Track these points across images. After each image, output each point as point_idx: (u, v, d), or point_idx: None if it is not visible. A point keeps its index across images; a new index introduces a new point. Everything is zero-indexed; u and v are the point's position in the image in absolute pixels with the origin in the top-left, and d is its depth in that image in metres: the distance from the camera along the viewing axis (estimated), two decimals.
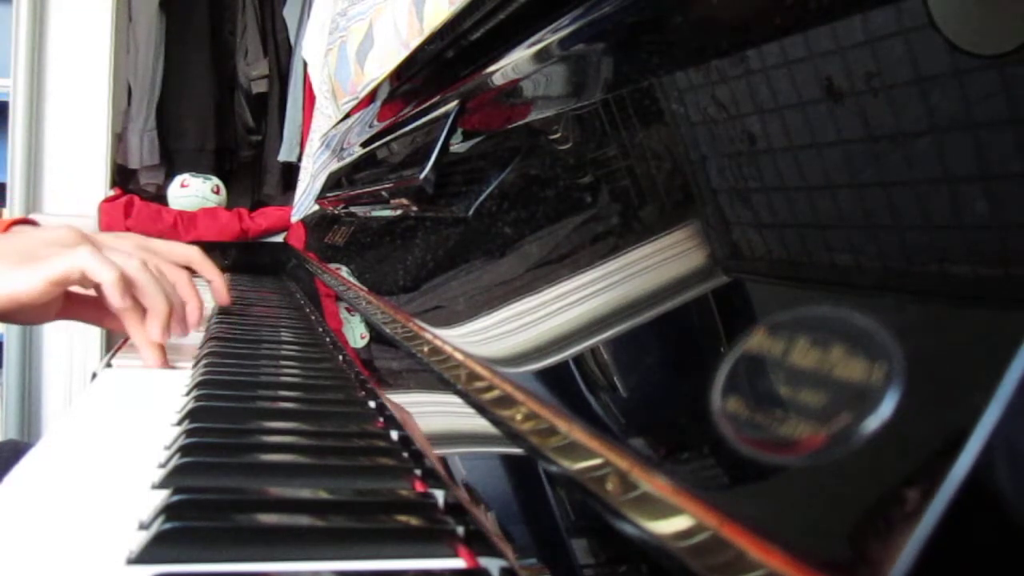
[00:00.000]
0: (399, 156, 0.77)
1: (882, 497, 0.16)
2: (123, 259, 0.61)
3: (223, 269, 1.42)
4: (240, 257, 1.48)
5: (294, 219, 1.58)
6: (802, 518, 0.18)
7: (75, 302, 0.68)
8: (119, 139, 2.40)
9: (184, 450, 0.41)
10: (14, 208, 2.16)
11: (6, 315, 0.61)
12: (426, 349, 0.45)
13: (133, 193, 2.33)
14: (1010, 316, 0.16)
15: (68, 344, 2.20)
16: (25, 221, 0.76)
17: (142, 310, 0.62)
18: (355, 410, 0.52)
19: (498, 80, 0.54)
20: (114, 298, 0.60)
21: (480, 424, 0.36)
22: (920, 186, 0.20)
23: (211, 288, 0.82)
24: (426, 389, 0.46)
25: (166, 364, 0.65)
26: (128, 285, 0.60)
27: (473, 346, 0.39)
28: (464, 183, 0.54)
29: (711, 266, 0.27)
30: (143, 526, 0.33)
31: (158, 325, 0.63)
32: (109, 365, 0.65)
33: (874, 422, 0.17)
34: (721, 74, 0.29)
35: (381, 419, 0.50)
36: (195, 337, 0.74)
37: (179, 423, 0.47)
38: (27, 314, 0.62)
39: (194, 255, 0.78)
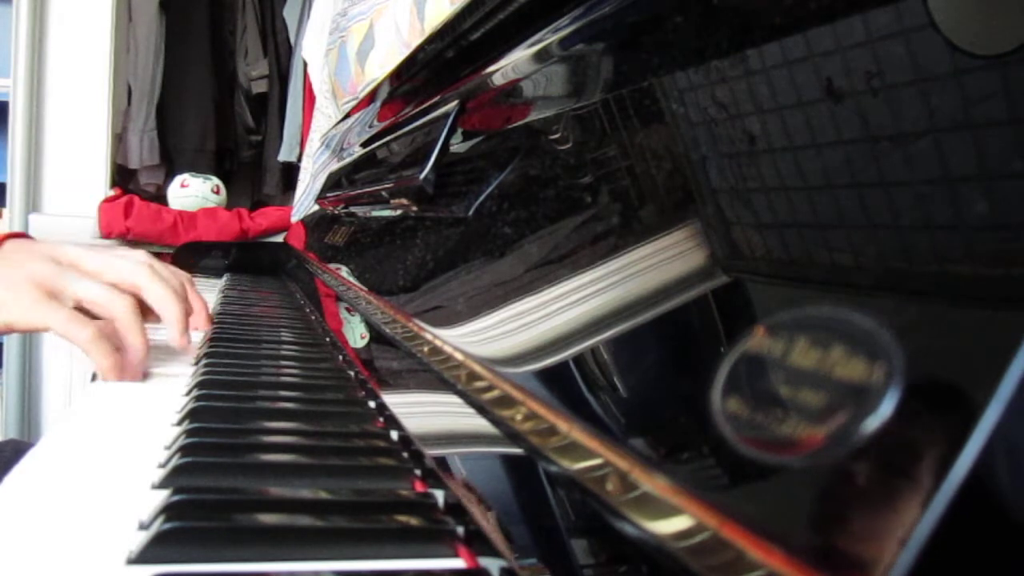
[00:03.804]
0: (399, 156, 0.77)
1: (882, 497, 0.16)
2: (107, 298, 0.61)
3: (223, 269, 1.42)
4: (240, 257, 1.48)
5: (294, 219, 1.58)
6: (802, 518, 0.18)
7: None
8: (119, 139, 2.40)
9: (184, 450, 0.41)
10: (14, 208, 2.16)
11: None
12: (426, 349, 0.45)
13: (133, 193, 2.33)
14: (1010, 316, 0.16)
15: (68, 344, 2.20)
16: (19, 235, 0.77)
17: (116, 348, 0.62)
18: (355, 410, 0.51)
19: (498, 80, 0.54)
20: (94, 356, 0.60)
21: (480, 424, 0.36)
22: (920, 186, 0.20)
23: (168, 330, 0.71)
24: (426, 389, 0.46)
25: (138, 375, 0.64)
26: (106, 338, 0.60)
27: (473, 346, 0.39)
28: (464, 183, 0.54)
29: (711, 266, 0.27)
30: (143, 526, 0.33)
31: (135, 366, 0.62)
32: None
33: (874, 422, 0.17)
34: (721, 74, 0.29)
35: (381, 419, 0.50)
36: (195, 337, 0.74)
37: (179, 423, 0.47)
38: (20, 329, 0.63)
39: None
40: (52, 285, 0.61)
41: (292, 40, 2.52)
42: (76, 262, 0.64)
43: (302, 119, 2.31)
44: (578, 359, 0.31)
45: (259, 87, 2.58)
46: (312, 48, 1.93)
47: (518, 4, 0.51)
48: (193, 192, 2.37)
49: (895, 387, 0.17)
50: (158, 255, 0.69)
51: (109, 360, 0.60)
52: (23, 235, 0.78)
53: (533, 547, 0.30)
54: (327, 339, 0.77)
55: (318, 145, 1.49)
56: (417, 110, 0.75)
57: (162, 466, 0.40)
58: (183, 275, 0.72)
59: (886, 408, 0.17)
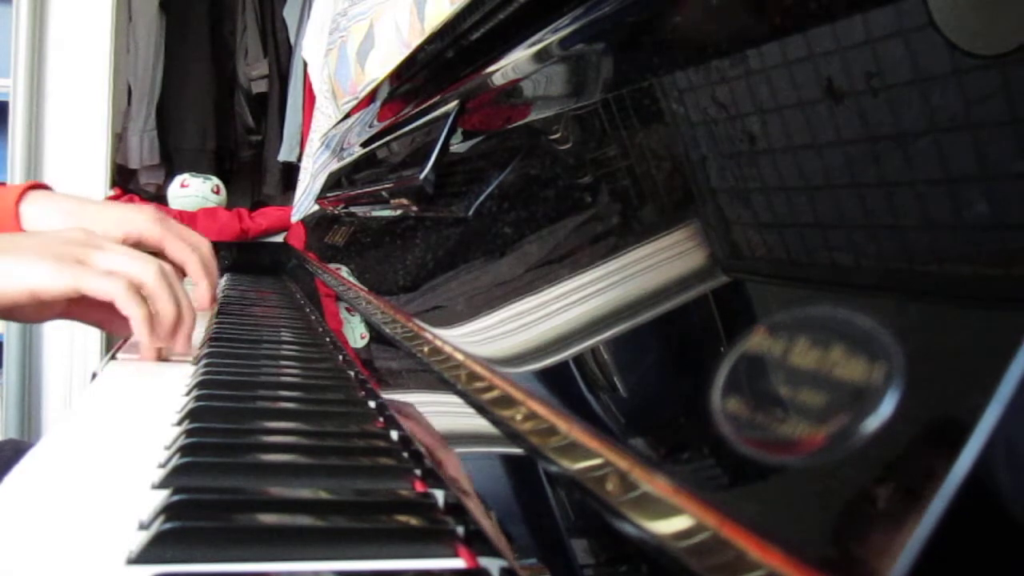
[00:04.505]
0: (399, 156, 0.77)
1: (882, 497, 0.16)
2: (139, 266, 0.62)
3: (223, 269, 1.42)
4: (240, 257, 1.48)
5: (294, 219, 1.58)
6: (802, 518, 0.18)
7: (80, 304, 0.68)
8: (119, 139, 2.40)
9: (184, 450, 0.41)
10: None
11: (14, 311, 0.62)
12: (426, 349, 0.45)
13: (133, 193, 2.34)
14: (1010, 316, 0.16)
15: (68, 344, 2.20)
16: (40, 186, 0.77)
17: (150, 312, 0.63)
18: (355, 410, 0.51)
19: (498, 80, 0.54)
20: (128, 308, 0.61)
21: (480, 424, 0.36)
22: (920, 186, 0.20)
23: (195, 292, 0.76)
24: (426, 389, 0.46)
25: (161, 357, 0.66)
26: (138, 290, 0.61)
27: (473, 346, 0.39)
28: (464, 183, 0.54)
29: (711, 266, 0.27)
30: (143, 526, 0.33)
31: (164, 331, 0.64)
32: (111, 361, 0.65)
33: (874, 422, 0.17)
34: (721, 74, 0.29)
35: (381, 419, 0.50)
36: (196, 337, 0.74)
37: (179, 423, 0.47)
38: (29, 313, 0.63)
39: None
40: (79, 253, 0.61)
41: (292, 40, 2.52)
42: (101, 246, 0.64)
43: (302, 119, 2.31)
44: (578, 359, 0.31)
45: (259, 87, 2.58)
46: (312, 48, 1.93)
47: (518, 4, 0.51)
48: (193, 192, 2.37)
49: (895, 387, 0.17)
50: (156, 255, 0.70)
51: (143, 310, 0.61)
52: (44, 186, 0.78)
53: (533, 547, 0.30)
54: (327, 339, 0.77)
55: (318, 145, 1.49)
56: (417, 110, 0.75)
57: (162, 466, 0.40)
58: (204, 245, 0.76)
59: (886, 408, 0.17)
